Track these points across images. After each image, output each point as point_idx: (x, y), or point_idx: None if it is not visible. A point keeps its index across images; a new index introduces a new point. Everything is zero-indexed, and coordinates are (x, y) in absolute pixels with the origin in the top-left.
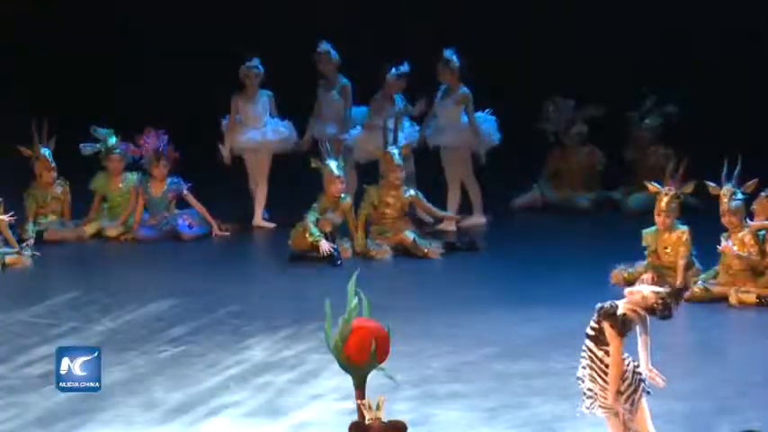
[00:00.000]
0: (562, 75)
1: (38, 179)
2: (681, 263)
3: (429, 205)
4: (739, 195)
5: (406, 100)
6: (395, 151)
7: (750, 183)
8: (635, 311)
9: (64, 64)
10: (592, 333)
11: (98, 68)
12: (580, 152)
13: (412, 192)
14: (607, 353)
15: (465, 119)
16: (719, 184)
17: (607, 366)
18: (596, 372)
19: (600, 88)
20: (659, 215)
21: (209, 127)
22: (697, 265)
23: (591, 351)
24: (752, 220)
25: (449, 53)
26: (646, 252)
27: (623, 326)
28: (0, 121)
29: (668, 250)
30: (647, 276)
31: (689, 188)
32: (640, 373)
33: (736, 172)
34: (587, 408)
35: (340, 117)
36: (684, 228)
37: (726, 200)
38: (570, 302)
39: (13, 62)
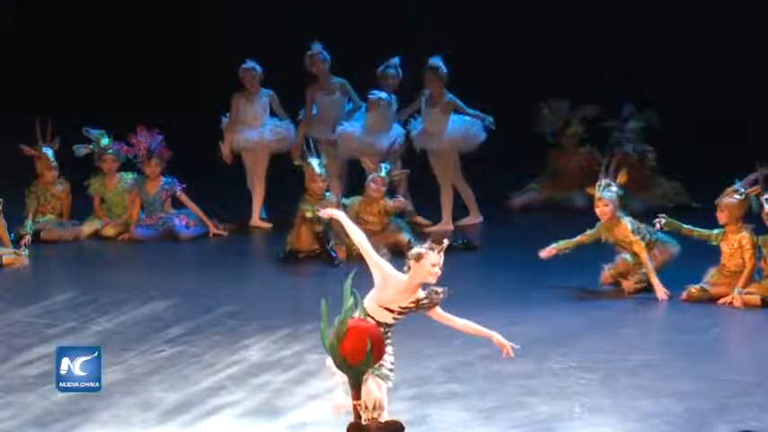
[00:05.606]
0: (557, 75)
1: (39, 178)
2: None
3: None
4: (741, 197)
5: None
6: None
7: (752, 189)
8: None
9: (63, 64)
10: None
11: (98, 68)
12: (578, 153)
13: (390, 202)
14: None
15: (452, 123)
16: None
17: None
18: None
19: (594, 90)
20: (597, 206)
21: (210, 126)
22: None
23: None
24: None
25: (437, 60)
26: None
27: None
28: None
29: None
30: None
31: (623, 177)
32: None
33: (753, 176)
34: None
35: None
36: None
37: (725, 196)
38: (567, 302)
39: (12, 62)
